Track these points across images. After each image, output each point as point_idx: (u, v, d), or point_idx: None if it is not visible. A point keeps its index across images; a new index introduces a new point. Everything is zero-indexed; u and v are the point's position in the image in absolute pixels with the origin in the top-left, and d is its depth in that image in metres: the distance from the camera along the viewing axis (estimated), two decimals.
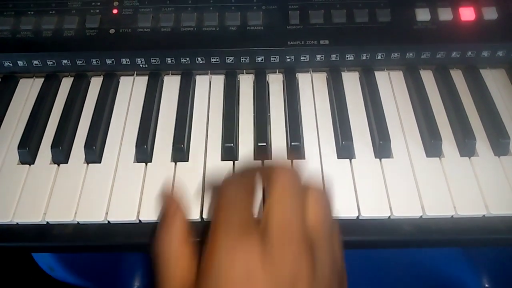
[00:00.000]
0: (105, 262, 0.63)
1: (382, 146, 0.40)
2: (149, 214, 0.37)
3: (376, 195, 0.38)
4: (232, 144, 0.40)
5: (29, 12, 0.46)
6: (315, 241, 0.26)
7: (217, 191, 0.29)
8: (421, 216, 0.37)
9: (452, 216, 0.37)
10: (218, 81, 0.46)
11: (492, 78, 0.46)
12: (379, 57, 0.45)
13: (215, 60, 0.45)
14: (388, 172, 0.39)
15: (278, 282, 0.24)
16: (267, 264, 0.24)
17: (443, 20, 0.45)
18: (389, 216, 0.37)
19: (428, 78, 0.46)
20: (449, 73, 0.46)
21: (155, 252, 0.29)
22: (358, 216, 0.37)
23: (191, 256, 0.28)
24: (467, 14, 0.46)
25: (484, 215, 0.37)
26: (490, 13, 0.46)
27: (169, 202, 0.30)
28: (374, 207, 0.37)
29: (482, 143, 0.41)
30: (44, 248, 0.40)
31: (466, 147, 0.40)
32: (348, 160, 0.40)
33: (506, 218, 0.38)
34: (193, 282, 0.27)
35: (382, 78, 0.46)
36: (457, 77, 0.46)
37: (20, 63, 0.45)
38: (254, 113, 0.44)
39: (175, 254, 0.28)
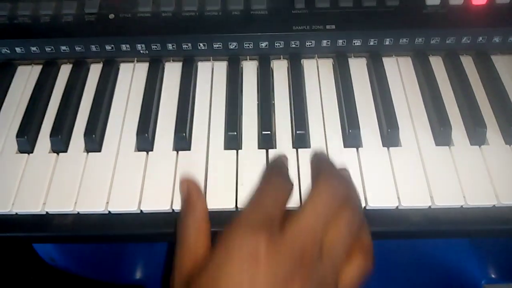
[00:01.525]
0: (107, 253, 0.63)
1: (390, 134, 0.39)
2: (151, 204, 0.36)
3: (384, 185, 0.37)
4: (235, 133, 0.39)
5: None
6: (323, 257, 0.27)
7: (260, 178, 0.31)
8: (429, 206, 0.36)
9: (461, 206, 0.36)
10: (221, 67, 0.45)
11: (504, 64, 0.45)
12: (387, 43, 0.44)
13: (217, 45, 0.44)
14: (396, 161, 0.38)
15: (276, 279, 0.25)
16: (271, 254, 0.25)
17: (454, 4, 0.44)
18: (397, 206, 0.36)
19: (437, 64, 0.45)
20: (459, 59, 0.44)
21: (178, 226, 0.33)
22: (365, 206, 0.36)
23: (209, 234, 0.31)
24: None
25: (494, 205, 0.36)
26: None
27: (193, 183, 0.35)
28: (381, 197, 0.36)
29: (493, 131, 0.40)
30: (44, 238, 0.39)
31: (477, 135, 0.39)
32: (355, 149, 0.39)
33: None
34: (199, 265, 0.28)
35: (390, 64, 0.45)
36: (468, 63, 0.45)
37: (18, 49, 0.44)
38: (258, 100, 0.42)
39: (197, 228, 0.31)
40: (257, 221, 0.27)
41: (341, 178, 0.30)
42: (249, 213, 0.28)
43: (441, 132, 0.39)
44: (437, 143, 0.39)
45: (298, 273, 0.25)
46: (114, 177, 0.38)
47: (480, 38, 0.44)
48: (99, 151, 0.39)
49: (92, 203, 0.36)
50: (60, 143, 0.39)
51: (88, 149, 0.40)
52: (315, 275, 0.26)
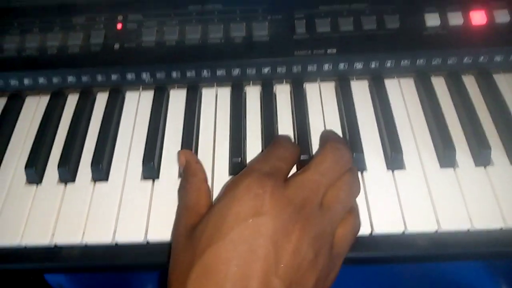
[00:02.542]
0: (115, 279, 0.63)
1: (394, 158, 0.39)
2: (157, 234, 0.36)
3: (389, 210, 0.37)
4: (239, 159, 0.40)
5: (34, 29, 0.45)
6: (323, 211, 0.30)
7: (274, 139, 0.36)
8: (436, 231, 0.36)
9: (468, 230, 0.36)
10: (225, 94, 0.46)
11: (506, 83, 0.45)
12: (388, 65, 0.44)
13: (220, 72, 0.44)
14: (401, 184, 0.38)
15: (278, 222, 0.27)
16: (275, 199, 0.28)
17: (454, 25, 0.44)
18: (403, 232, 0.36)
19: (440, 85, 0.45)
20: (462, 79, 0.44)
21: (179, 191, 0.36)
22: (371, 233, 0.36)
23: (210, 196, 0.34)
24: (478, 17, 0.44)
25: (501, 228, 0.36)
26: (502, 16, 0.44)
27: (190, 154, 0.38)
28: (387, 222, 0.36)
29: (497, 152, 0.40)
30: (52, 269, 0.40)
31: (481, 156, 0.39)
32: (359, 172, 0.39)
33: None
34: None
35: (392, 86, 0.45)
36: (470, 83, 0.45)
37: (26, 81, 0.45)
38: (261, 125, 0.43)
39: (198, 190, 0.34)
40: (265, 170, 0.30)
41: (347, 146, 0.34)
42: (257, 163, 0.31)
43: (445, 154, 0.39)
44: (442, 165, 0.39)
45: (299, 220, 0.28)
46: (121, 206, 0.38)
47: (482, 58, 0.44)
48: (106, 180, 0.40)
49: (99, 234, 0.37)
50: (67, 173, 0.40)
51: (95, 179, 0.40)
52: (314, 225, 0.29)
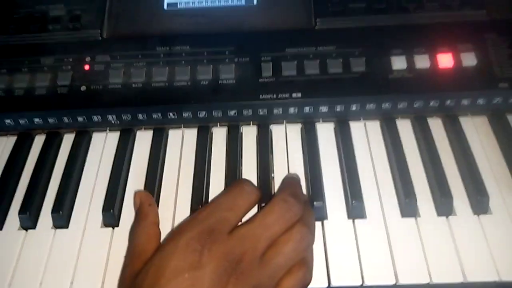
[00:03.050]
0: None
1: (354, 206, 0.39)
2: (114, 286, 0.36)
3: (348, 261, 0.36)
4: (200, 205, 0.39)
5: (1, 70, 0.46)
6: (263, 266, 0.30)
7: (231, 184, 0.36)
8: (394, 284, 0.36)
9: (428, 283, 0.36)
10: (191, 135, 0.45)
11: (473, 126, 0.44)
12: (354, 108, 0.44)
13: (187, 114, 0.44)
14: (361, 234, 0.38)
15: (214, 276, 0.28)
16: (213, 253, 0.29)
17: (420, 68, 0.44)
18: (361, 285, 0.36)
19: (405, 127, 0.45)
20: (427, 124, 0.44)
21: (130, 233, 0.36)
22: (329, 285, 0.36)
23: (159, 239, 0.34)
24: (445, 61, 0.44)
25: (462, 282, 0.35)
26: (469, 59, 0.44)
27: (146, 195, 0.38)
28: (345, 275, 0.36)
29: (460, 201, 0.39)
30: None
31: (443, 206, 0.39)
32: (319, 222, 0.39)
33: (487, 284, 0.36)
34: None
35: (358, 129, 0.45)
36: (436, 126, 0.44)
37: None
38: (225, 166, 0.43)
39: (147, 234, 0.34)
40: (208, 223, 0.31)
41: (298, 199, 0.34)
42: (203, 214, 0.32)
43: (406, 203, 0.38)
44: (403, 215, 0.39)
45: (233, 274, 0.29)
46: (80, 255, 0.38)
47: (449, 101, 0.44)
48: (67, 227, 0.40)
49: (56, 284, 0.37)
50: (27, 220, 0.40)
51: (56, 225, 0.40)
52: (250, 278, 0.29)
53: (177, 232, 0.31)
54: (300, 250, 0.32)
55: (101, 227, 0.40)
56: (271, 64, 0.44)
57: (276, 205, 0.33)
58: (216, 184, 0.42)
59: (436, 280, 0.35)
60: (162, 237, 0.36)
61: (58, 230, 0.40)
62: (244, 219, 0.34)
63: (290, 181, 0.39)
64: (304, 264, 0.33)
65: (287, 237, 0.32)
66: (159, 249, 0.31)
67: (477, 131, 0.44)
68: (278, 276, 0.31)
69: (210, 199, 0.41)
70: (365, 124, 0.45)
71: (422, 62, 0.44)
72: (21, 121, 0.45)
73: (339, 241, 0.38)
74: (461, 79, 0.43)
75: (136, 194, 0.39)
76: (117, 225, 0.40)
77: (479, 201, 0.38)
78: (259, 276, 0.30)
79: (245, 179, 0.40)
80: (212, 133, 0.46)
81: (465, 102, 0.44)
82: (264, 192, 0.40)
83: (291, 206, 0.33)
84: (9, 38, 0.48)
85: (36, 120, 0.45)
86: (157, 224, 0.36)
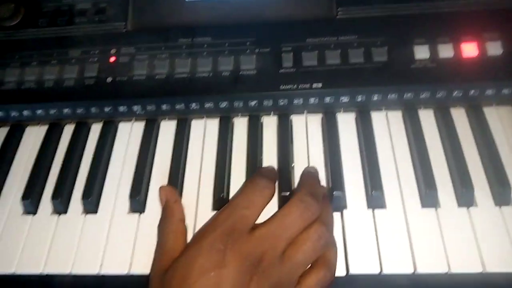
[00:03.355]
0: None
1: (374, 196, 0.39)
2: (140, 267, 0.38)
3: (367, 250, 0.37)
4: (222, 194, 0.41)
5: (32, 63, 0.48)
6: (283, 264, 0.31)
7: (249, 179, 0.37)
8: (413, 273, 0.36)
9: (446, 273, 0.36)
10: (213, 125, 0.46)
11: (498, 117, 0.44)
12: (375, 98, 0.44)
13: (209, 105, 0.45)
14: (380, 224, 0.38)
15: (237, 275, 0.30)
16: (236, 254, 0.30)
17: (444, 58, 0.43)
18: (380, 273, 0.36)
19: (428, 118, 0.44)
20: (450, 114, 0.44)
21: (158, 230, 0.38)
22: (347, 273, 0.36)
23: (185, 235, 0.36)
24: (469, 50, 0.44)
25: (481, 272, 0.36)
26: (495, 48, 0.43)
27: (171, 191, 0.40)
28: (363, 263, 0.36)
29: (482, 192, 0.39)
30: None
31: (464, 197, 0.38)
32: (339, 212, 0.39)
33: (507, 275, 0.36)
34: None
35: (379, 119, 0.45)
36: (460, 116, 0.44)
37: (25, 112, 0.47)
38: (246, 158, 0.44)
39: (175, 232, 0.36)
40: (229, 225, 0.32)
41: (316, 197, 0.34)
42: (224, 215, 0.34)
43: (426, 193, 0.39)
44: (423, 205, 0.39)
45: (256, 272, 0.30)
46: (108, 239, 0.40)
47: (472, 91, 0.43)
48: (96, 212, 0.42)
49: (86, 265, 0.39)
50: (60, 205, 0.42)
51: (85, 211, 0.42)
52: (271, 277, 0.31)
53: (201, 234, 0.33)
54: (318, 248, 0.33)
55: (128, 213, 0.42)
56: (291, 54, 0.45)
57: (294, 205, 0.34)
58: (238, 174, 0.43)
59: (455, 270, 0.35)
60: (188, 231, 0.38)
61: (88, 215, 0.42)
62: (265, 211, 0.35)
63: (308, 177, 0.39)
64: (325, 263, 0.34)
65: (305, 236, 0.33)
66: (185, 249, 0.33)
67: (501, 122, 0.43)
68: (298, 274, 0.32)
69: (231, 188, 0.42)
70: (386, 114, 0.45)
71: (445, 51, 0.43)
72: (51, 111, 0.47)
73: (358, 230, 0.38)
74: (486, 69, 0.43)
75: (161, 190, 0.40)
76: (143, 211, 0.41)
77: (501, 192, 0.38)
78: (279, 274, 0.31)
79: (261, 170, 0.40)
80: (233, 123, 0.47)
81: (489, 92, 0.43)
82: (284, 182, 0.41)
83: (309, 206, 0.34)
84: (38, 31, 0.50)
85: (65, 110, 0.47)
86: (183, 221, 0.38)
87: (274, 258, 0.31)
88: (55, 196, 0.42)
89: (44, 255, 0.40)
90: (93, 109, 0.46)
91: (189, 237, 0.37)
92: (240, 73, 0.45)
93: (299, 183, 0.40)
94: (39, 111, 0.47)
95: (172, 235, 0.36)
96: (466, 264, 0.36)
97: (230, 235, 0.31)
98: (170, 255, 0.34)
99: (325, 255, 0.34)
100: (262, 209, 0.35)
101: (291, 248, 0.32)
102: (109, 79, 0.46)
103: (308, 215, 0.33)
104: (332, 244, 0.35)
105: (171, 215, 0.37)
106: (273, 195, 0.37)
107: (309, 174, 0.40)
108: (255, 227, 0.33)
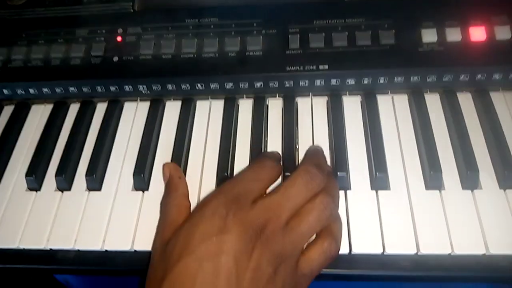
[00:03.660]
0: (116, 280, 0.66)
1: (378, 178, 0.39)
2: (144, 244, 0.38)
3: (370, 230, 0.37)
4: (226, 173, 0.41)
5: (39, 42, 0.48)
6: (286, 234, 0.31)
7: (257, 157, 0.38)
8: (416, 253, 0.36)
9: (449, 254, 0.36)
10: (218, 106, 0.46)
11: (504, 101, 0.43)
12: (381, 81, 0.44)
13: (214, 86, 0.45)
14: (384, 205, 0.38)
15: (239, 243, 0.29)
16: (237, 222, 0.30)
17: (451, 41, 0.43)
18: (382, 253, 0.36)
19: (434, 102, 0.44)
20: (456, 98, 0.43)
21: (162, 204, 0.38)
22: (349, 252, 0.36)
23: (189, 210, 0.36)
24: (477, 34, 0.43)
25: (484, 254, 0.35)
26: (503, 33, 0.43)
27: (175, 167, 0.40)
28: (366, 243, 0.36)
29: (487, 175, 0.39)
30: (48, 270, 0.42)
31: (469, 179, 0.38)
32: (342, 191, 0.39)
33: (510, 257, 0.36)
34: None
35: (385, 102, 0.44)
36: (466, 100, 0.44)
37: (31, 90, 0.47)
38: (250, 138, 0.44)
39: (178, 205, 0.36)
40: (233, 193, 0.32)
41: (322, 169, 0.34)
42: (229, 185, 0.34)
43: (430, 175, 0.38)
44: (428, 187, 0.39)
45: (259, 240, 0.30)
46: (111, 216, 0.40)
47: (479, 76, 0.43)
48: (99, 190, 0.42)
49: (90, 241, 0.39)
50: (64, 182, 0.42)
51: (89, 188, 0.42)
52: (274, 244, 0.30)
53: (204, 202, 0.33)
54: (323, 219, 0.33)
55: (132, 190, 0.42)
56: (298, 36, 0.44)
57: (299, 175, 0.33)
58: (241, 155, 0.43)
59: (458, 251, 0.35)
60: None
61: (92, 192, 0.42)
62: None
63: (314, 151, 0.39)
64: (330, 235, 0.33)
65: (310, 206, 0.33)
66: (188, 218, 0.33)
67: (508, 106, 0.43)
68: (302, 244, 0.32)
69: (235, 168, 0.42)
70: (392, 97, 0.45)
71: (453, 35, 0.43)
72: (57, 90, 0.47)
73: (361, 211, 0.38)
74: (494, 53, 0.42)
75: (165, 166, 0.40)
76: (147, 189, 0.41)
77: (507, 175, 0.38)
78: (283, 243, 0.31)
79: (267, 153, 0.41)
80: (238, 105, 0.46)
81: (496, 76, 0.43)
82: (289, 164, 0.41)
83: (314, 176, 0.34)
84: (46, 10, 0.50)
85: (71, 89, 0.47)
86: (186, 196, 0.38)
87: (277, 227, 0.31)
88: (59, 173, 0.42)
89: (47, 230, 0.40)
90: (99, 88, 0.46)
91: None
92: (247, 54, 0.45)
93: (304, 157, 0.39)
94: (45, 89, 0.47)
95: (175, 209, 0.36)
96: (469, 246, 0.36)
97: (234, 202, 0.31)
98: (172, 227, 0.34)
99: (329, 226, 0.34)
100: (268, 186, 0.35)
101: (296, 218, 0.32)
102: (115, 59, 0.46)
103: (313, 185, 0.33)
104: (337, 216, 0.35)
105: (175, 190, 0.37)
106: (279, 175, 0.37)
107: (315, 149, 0.40)
108: (259, 198, 0.33)
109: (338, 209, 0.36)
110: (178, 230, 0.32)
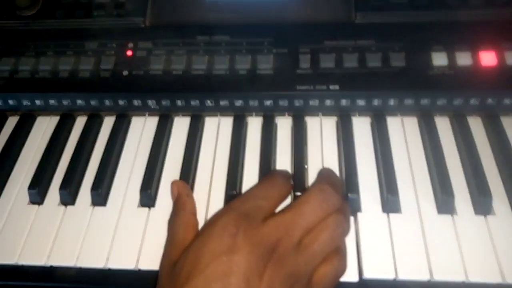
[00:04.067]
0: None
1: (390, 200, 0.38)
2: (149, 263, 0.37)
3: (381, 254, 0.36)
4: (235, 192, 0.40)
5: (48, 53, 0.47)
6: (299, 253, 0.30)
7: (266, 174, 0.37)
8: (428, 280, 0.35)
9: (463, 282, 0.35)
10: (227, 123, 0.46)
11: None
12: (392, 103, 0.44)
13: (224, 103, 0.45)
14: (395, 228, 0.37)
15: (249, 263, 0.28)
16: (248, 241, 0.29)
17: (462, 65, 0.43)
18: (394, 279, 0.35)
19: (444, 126, 0.44)
20: (467, 122, 0.43)
21: (169, 223, 0.37)
22: (360, 277, 0.35)
23: (197, 230, 0.35)
24: (488, 58, 0.43)
25: (500, 283, 0.35)
26: None
27: (183, 185, 0.39)
28: (378, 267, 0.36)
29: (500, 201, 0.38)
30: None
31: (482, 205, 0.38)
32: (352, 214, 0.38)
33: None
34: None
35: (394, 124, 0.44)
36: (476, 125, 0.44)
37: (37, 102, 0.47)
38: (260, 157, 0.43)
39: (185, 225, 0.35)
40: (243, 209, 0.31)
41: (337, 189, 0.34)
42: (238, 201, 0.33)
43: (443, 199, 0.38)
44: (439, 211, 0.38)
45: (271, 259, 0.29)
46: (116, 232, 0.39)
47: (490, 100, 0.43)
48: (105, 205, 0.41)
49: (93, 259, 0.38)
50: (68, 196, 0.41)
51: (94, 203, 0.41)
52: (286, 264, 0.29)
53: (213, 219, 0.32)
54: (336, 238, 0.32)
55: (138, 206, 0.41)
56: (309, 55, 0.44)
57: (314, 194, 0.33)
58: (250, 173, 0.42)
59: (473, 279, 0.35)
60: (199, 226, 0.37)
61: (96, 208, 0.41)
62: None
63: (327, 171, 0.39)
64: (338, 252, 0.33)
65: (324, 224, 0.32)
66: (196, 236, 0.32)
67: None
68: (315, 264, 0.31)
69: (244, 187, 0.41)
70: (402, 119, 0.45)
71: (464, 59, 0.43)
72: (64, 102, 0.46)
73: (372, 234, 0.37)
74: (505, 78, 0.43)
75: (174, 184, 0.40)
76: (153, 206, 0.40)
77: None
78: (295, 263, 0.30)
79: (277, 170, 0.40)
80: (247, 123, 0.46)
81: (507, 101, 0.43)
82: (298, 183, 0.40)
83: (329, 196, 0.33)
84: (56, 22, 0.50)
85: (79, 101, 0.46)
86: (194, 214, 0.37)
87: (289, 246, 0.30)
88: (63, 186, 0.41)
89: (49, 246, 0.39)
90: (107, 102, 0.46)
91: None
92: (257, 72, 0.44)
93: (318, 176, 0.38)
94: (52, 101, 0.46)
95: (183, 228, 0.35)
96: (484, 273, 0.35)
97: (244, 219, 0.30)
98: (180, 246, 0.33)
99: (339, 248, 0.33)
100: (278, 205, 0.34)
101: (309, 236, 0.31)
102: (125, 73, 0.46)
103: (328, 204, 0.32)
104: (347, 234, 0.34)
105: (182, 208, 0.37)
106: (289, 193, 0.36)
107: (328, 170, 0.39)
108: (271, 215, 0.32)
109: (350, 228, 0.35)
110: (187, 249, 0.31)
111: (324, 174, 0.38)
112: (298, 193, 0.39)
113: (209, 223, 0.32)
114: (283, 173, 0.39)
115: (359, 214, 0.38)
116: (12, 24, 0.50)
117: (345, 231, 0.33)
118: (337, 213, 0.32)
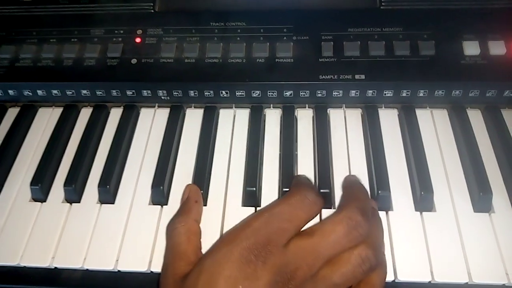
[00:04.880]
0: None
1: (423, 198, 0.36)
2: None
3: (416, 256, 0.34)
4: (254, 188, 0.37)
5: (51, 40, 0.44)
6: (316, 283, 0.28)
7: (293, 187, 0.33)
8: (466, 283, 0.32)
9: (503, 285, 0.32)
10: (243, 115, 0.43)
11: None
12: (421, 94, 0.41)
13: (240, 93, 0.42)
14: (430, 228, 0.35)
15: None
16: (268, 264, 0.27)
17: (495, 55, 0.41)
18: (430, 281, 0.33)
19: (476, 118, 0.41)
20: (501, 114, 0.41)
21: (168, 228, 0.33)
22: (394, 280, 0.33)
23: (199, 239, 0.33)
24: None
25: None
26: None
27: (195, 191, 0.36)
28: (413, 270, 0.33)
29: None
30: None
31: None
32: (384, 212, 0.36)
33: None
34: (191, 267, 0.29)
35: (424, 117, 0.41)
36: (510, 118, 0.41)
37: (39, 92, 0.44)
38: (280, 151, 0.40)
39: (188, 234, 0.32)
40: (264, 233, 0.28)
41: (366, 216, 0.30)
42: (263, 222, 0.29)
43: (480, 197, 0.35)
44: (476, 209, 0.36)
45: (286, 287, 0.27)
46: (126, 232, 0.36)
47: None
48: (113, 202, 0.38)
49: (101, 260, 0.35)
50: (73, 193, 0.38)
51: (101, 200, 0.38)
52: None
53: (232, 237, 0.29)
54: (359, 274, 0.29)
55: (149, 204, 0.38)
56: (332, 43, 0.42)
57: (342, 222, 0.29)
58: (270, 169, 0.39)
59: None
60: (210, 233, 0.35)
61: (104, 205, 0.38)
62: None
63: (357, 190, 0.34)
64: (367, 286, 0.29)
65: (346, 257, 0.28)
66: (210, 254, 0.29)
67: None
68: None
69: (263, 184, 0.38)
70: (432, 112, 0.42)
71: (497, 48, 0.41)
72: (68, 92, 0.43)
73: (406, 234, 0.35)
74: None
75: (187, 187, 0.37)
76: (166, 204, 0.37)
77: None
78: None
79: (307, 185, 0.34)
80: (264, 115, 0.43)
81: None
82: (323, 179, 0.37)
83: (358, 225, 0.29)
84: (59, 8, 0.46)
85: (84, 91, 0.43)
86: (198, 221, 0.34)
87: (307, 275, 0.27)
88: (68, 182, 0.38)
89: (53, 247, 0.36)
90: (114, 92, 0.43)
91: (206, 239, 0.33)
92: (276, 60, 0.42)
93: (345, 196, 0.35)
94: (55, 91, 0.43)
95: (185, 236, 0.32)
96: None
97: (265, 247, 0.27)
98: (184, 259, 0.30)
99: (370, 278, 0.29)
100: (304, 225, 0.30)
101: (329, 267, 0.28)
102: (133, 61, 0.43)
103: (355, 235, 0.29)
104: (380, 266, 0.30)
105: (187, 213, 0.34)
106: (318, 213, 0.32)
107: (358, 186, 0.35)
108: (293, 238, 0.29)
109: (382, 257, 0.31)
110: (199, 266, 0.28)
111: (353, 194, 0.33)
112: (325, 190, 0.36)
113: (227, 242, 0.29)
114: (313, 186, 0.35)
115: (390, 213, 0.36)
116: (13, 10, 0.47)
117: (372, 266, 0.29)
118: (364, 246, 0.29)
